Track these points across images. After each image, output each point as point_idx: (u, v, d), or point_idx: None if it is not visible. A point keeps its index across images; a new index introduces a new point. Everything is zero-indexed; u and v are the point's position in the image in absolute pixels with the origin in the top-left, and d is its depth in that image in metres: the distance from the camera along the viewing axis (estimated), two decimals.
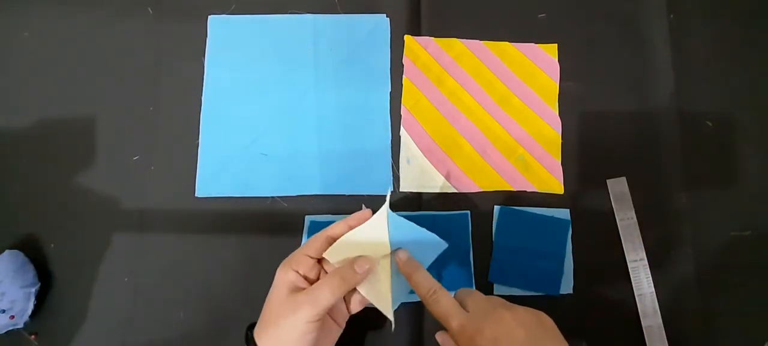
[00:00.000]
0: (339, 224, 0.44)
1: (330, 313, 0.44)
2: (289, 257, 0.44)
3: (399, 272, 0.44)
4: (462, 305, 0.40)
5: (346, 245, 0.43)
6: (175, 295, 0.52)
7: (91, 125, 0.55)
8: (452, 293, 0.42)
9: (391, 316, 0.43)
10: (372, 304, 0.44)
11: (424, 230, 0.46)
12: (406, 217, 0.53)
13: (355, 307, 0.45)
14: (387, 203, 0.43)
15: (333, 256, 0.43)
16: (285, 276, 0.42)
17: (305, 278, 0.43)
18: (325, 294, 0.40)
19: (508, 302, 0.40)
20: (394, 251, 0.44)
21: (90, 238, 0.53)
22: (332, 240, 0.44)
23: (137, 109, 0.56)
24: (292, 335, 0.40)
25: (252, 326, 0.43)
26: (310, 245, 0.44)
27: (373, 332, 0.51)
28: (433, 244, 0.46)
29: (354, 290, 0.44)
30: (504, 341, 0.37)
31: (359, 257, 0.43)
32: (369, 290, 0.44)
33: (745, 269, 0.53)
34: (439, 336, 0.42)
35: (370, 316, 0.45)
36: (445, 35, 0.57)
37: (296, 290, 0.42)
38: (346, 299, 0.45)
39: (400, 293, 0.45)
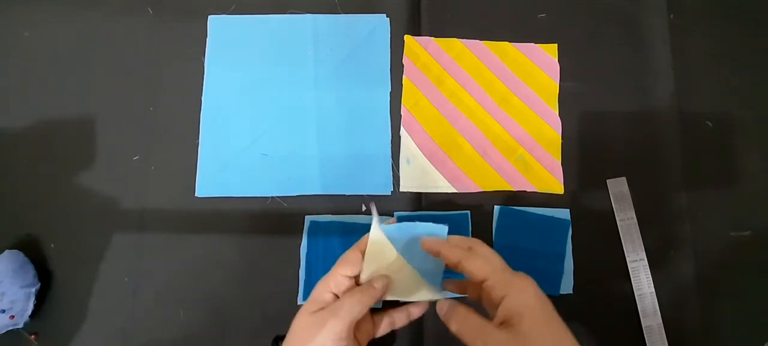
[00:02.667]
0: (351, 261, 0.43)
1: (355, 333, 0.43)
2: (326, 276, 0.42)
3: (426, 263, 0.44)
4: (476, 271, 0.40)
5: (370, 262, 0.43)
6: (175, 295, 0.52)
7: (91, 125, 0.55)
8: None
9: (440, 295, 0.43)
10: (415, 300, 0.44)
11: (420, 223, 0.45)
12: (406, 217, 0.53)
13: (383, 329, 0.44)
14: (375, 218, 0.43)
15: (365, 277, 0.43)
16: (319, 296, 0.41)
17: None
18: (348, 308, 0.40)
19: None
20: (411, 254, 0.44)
21: (90, 238, 0.53)
22: (350, 278, 0.43)
23: (137, 109, 0.56)
24: None
25: (278, 339, 0.42)
26: (345, 263, 0.42)
27: None
28: (436, 233, 0.45)
29: (383, 312, 0.44)
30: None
31: (380, 276, 0.43)
32: (408, 293, 0.44)
33: (745, 269, 0.53)
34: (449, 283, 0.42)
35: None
36: (445, 35, 0.57)
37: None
38: (376, 321, 0.44)
39: (435, 277, 0.45)
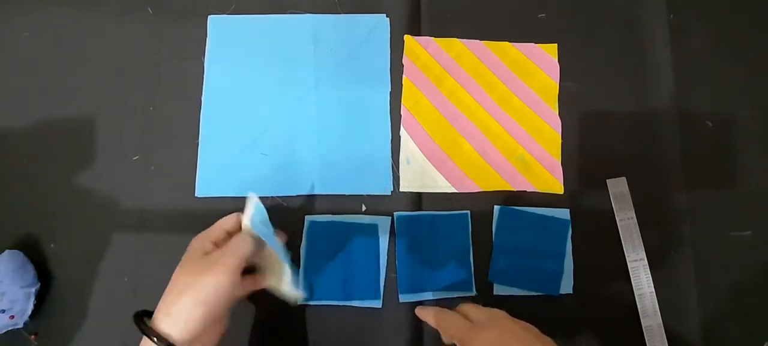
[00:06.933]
0: (230, 218, 0.46)
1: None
2: (205, 231, 0.45)
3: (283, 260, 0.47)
4: (466, 317, 0.42)
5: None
6: None
7: (91, 125, 0.55)
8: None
9: (296, 292, 0.48)
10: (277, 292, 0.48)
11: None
12: (406, 217, 0.53)
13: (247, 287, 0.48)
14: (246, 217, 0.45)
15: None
16: (201, 246, 0.44)
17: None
18: (242, 244, 0.43)
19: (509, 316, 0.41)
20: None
21: (90, 238, 0.53)
22: (228, 233, 0.46)
23: (137, 109, 0.56)
24: (215, 289, 0.40)
25: (142, 314, 0.41)
26: (225, 221, 0.46)
27: (373, 332, 0.51)
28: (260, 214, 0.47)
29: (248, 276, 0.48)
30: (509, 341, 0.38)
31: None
32: (277, 283, 0.48)
33: (745, 269, 0.53)
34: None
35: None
36: (445, 35, 0.57)
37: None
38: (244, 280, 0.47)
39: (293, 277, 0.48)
